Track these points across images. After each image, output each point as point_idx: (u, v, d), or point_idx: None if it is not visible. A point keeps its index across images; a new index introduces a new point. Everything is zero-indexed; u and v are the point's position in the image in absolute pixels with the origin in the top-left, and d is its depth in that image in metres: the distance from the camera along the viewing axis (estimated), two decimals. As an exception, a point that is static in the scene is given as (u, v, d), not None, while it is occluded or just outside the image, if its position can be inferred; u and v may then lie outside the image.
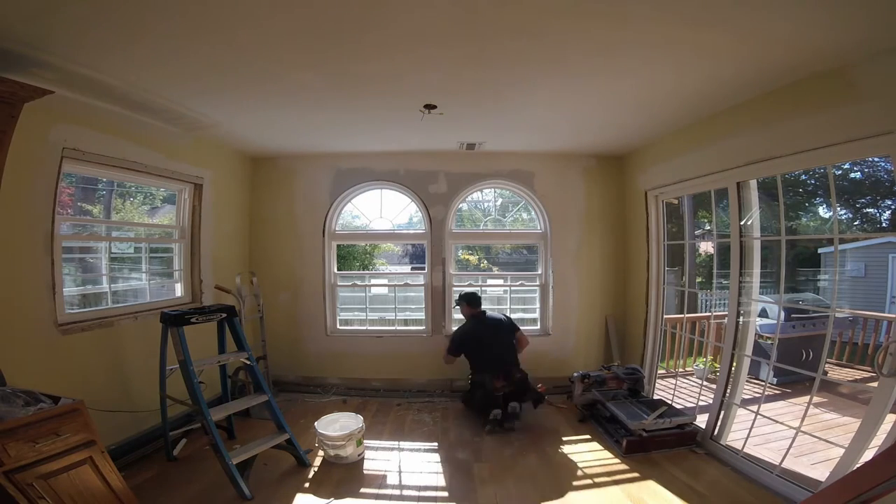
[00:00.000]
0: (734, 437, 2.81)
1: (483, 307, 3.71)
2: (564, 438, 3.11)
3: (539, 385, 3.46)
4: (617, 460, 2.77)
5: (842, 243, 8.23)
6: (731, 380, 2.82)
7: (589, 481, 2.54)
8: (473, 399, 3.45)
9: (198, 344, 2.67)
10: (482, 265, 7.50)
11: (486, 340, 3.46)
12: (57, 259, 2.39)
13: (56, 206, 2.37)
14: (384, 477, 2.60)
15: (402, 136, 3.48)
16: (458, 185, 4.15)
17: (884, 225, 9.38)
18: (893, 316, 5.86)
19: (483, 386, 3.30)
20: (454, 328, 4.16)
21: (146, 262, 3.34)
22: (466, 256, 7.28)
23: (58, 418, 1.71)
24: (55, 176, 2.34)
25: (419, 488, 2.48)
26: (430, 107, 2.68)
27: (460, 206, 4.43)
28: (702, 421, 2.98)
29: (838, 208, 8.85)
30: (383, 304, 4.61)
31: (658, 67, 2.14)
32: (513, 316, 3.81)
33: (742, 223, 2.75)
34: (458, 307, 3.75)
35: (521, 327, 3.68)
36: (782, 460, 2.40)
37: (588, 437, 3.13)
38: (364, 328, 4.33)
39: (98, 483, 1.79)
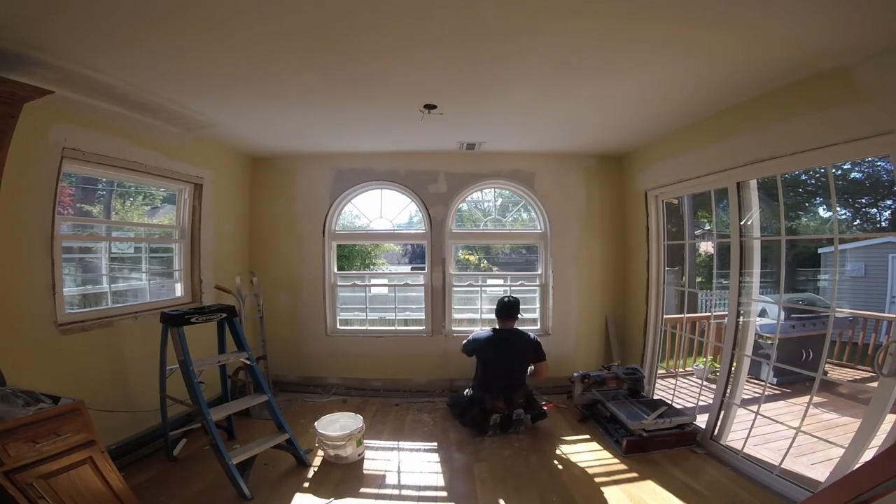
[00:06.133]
0: (734, 437, 2.81)
1: (514, 325, 3.41)
2: (564, 438, 3.11)
3: (544, 402, 3.36)
4: (617, 460, 2.77)
5: (842, 243, 8.23)
6: (731, 380, 2.82)
7: (589, 481, 2.54)
8: (467, 414, 3.26)
9: (198, 344, 2.67)
10: (482, 265, 7.50)
11: (497, 357, 3.25)
12: (57, 259, 2.39)
13: (56, 206, 2.36)
14: (384, 477, 2.60)
15: (402, 136, 3.47)
16: (458, 185, 4.15)
17: (884, 225, 9.39)
18: (893, 316, 5.86)
19: (482, 403, 3.15)
20: (454, 328, 4.17)
21: (146, 262, 3.34)
22: (466, 256, 7.27)
23: (58, 418, 1.71)
24: (55, 176, 2.34)
25: (419, 488, 2.48)
26: (430, 107, 2.68)
27: (460, 206, 4.43)
28: (702, 421, 2.98)
29: (838, 208, 8.85)
30: (383, 304, 4.60)
31: (658, 68, 2.14)
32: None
33: (742, 223, 2.75)
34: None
35: (524, 328, 3.51)
36: (782, 460, 2.40)
37: (588, 437, 3.13)
38: (364, 328, 4.33)
39: (98, 483, 1.79)
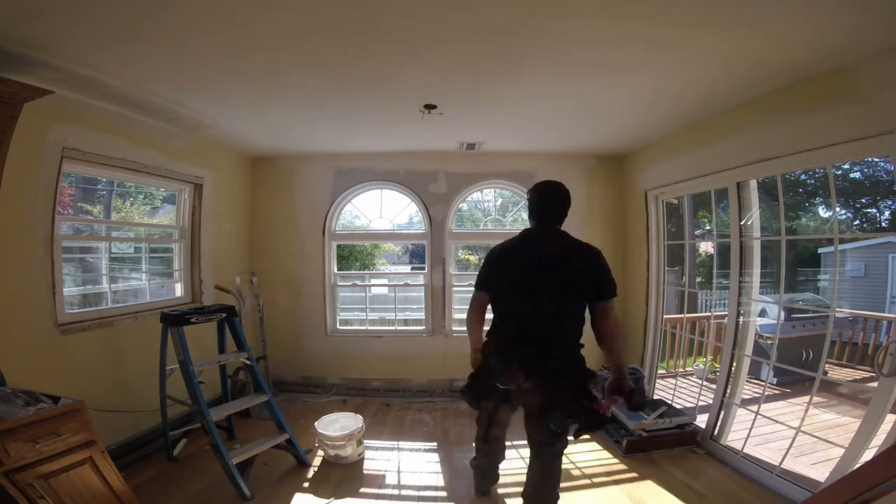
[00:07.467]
0: (734, 437, 2.81)
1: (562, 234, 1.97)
2: (564, 438, 3.10)
3: (597, 397, 1.86)
4: (616, 460, 2.77)
5: (842, 243, 8.23)
6: (731, 380, 2.81)
7: (589, 481, 2.54)
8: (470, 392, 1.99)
9: (198, 344, 2.67)
10: (482, 265, 7.47)
11: (519, 284, 1.82)
12: (57, 259, 2.39)
13: (56, 207, 2.36)
14: (384, 477, 2.60)
15: (402, 136, 3.47)
16: (458, 185, 4.15)
17: (884, 225, 9.37)
18: (893, 316, 5.85)
19: (488, 371, 1.81)
20: (454, 328, 4.16)
21: (146, 262, 3.34)
22: (466, 256, 7.27)
23: (58, 418, 1.71)
24: (55, 176, 2.34)
25: (419, 488, 2.48)
26: (430, 107, 2.68)
27: (460, 206, 4.43)
28: (702, 421, 2.98)
29: (838, 208, 8.84)
30: (383, 304, 4.61)
31: (658, 68, 2.14)
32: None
33: (742, 223, 2.75)
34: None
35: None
36: (782, 460, 2.40)
37: (588, 437, 3.12)
38: (364, 328, 4.33)
39: (98, 483, 1.79)
